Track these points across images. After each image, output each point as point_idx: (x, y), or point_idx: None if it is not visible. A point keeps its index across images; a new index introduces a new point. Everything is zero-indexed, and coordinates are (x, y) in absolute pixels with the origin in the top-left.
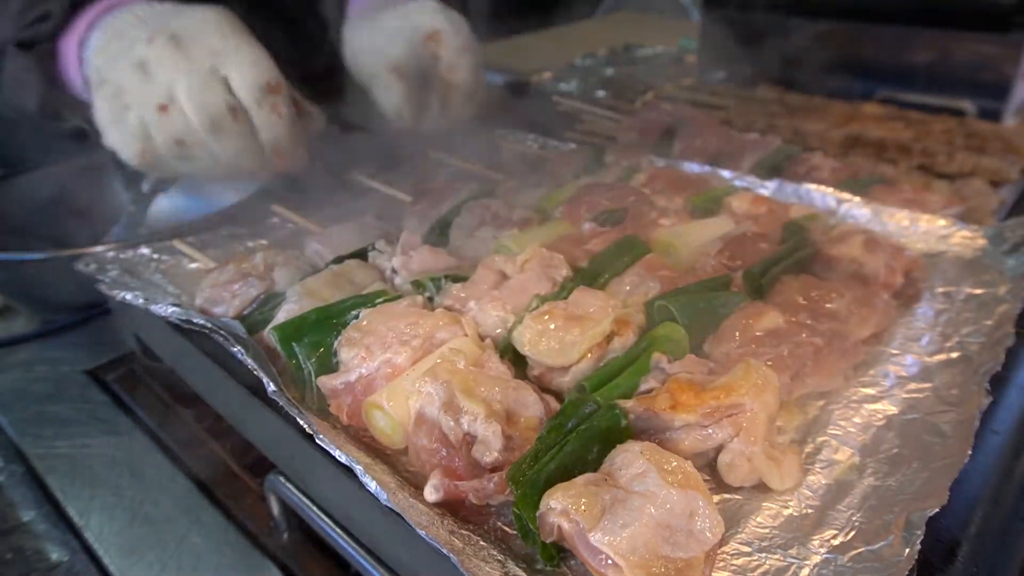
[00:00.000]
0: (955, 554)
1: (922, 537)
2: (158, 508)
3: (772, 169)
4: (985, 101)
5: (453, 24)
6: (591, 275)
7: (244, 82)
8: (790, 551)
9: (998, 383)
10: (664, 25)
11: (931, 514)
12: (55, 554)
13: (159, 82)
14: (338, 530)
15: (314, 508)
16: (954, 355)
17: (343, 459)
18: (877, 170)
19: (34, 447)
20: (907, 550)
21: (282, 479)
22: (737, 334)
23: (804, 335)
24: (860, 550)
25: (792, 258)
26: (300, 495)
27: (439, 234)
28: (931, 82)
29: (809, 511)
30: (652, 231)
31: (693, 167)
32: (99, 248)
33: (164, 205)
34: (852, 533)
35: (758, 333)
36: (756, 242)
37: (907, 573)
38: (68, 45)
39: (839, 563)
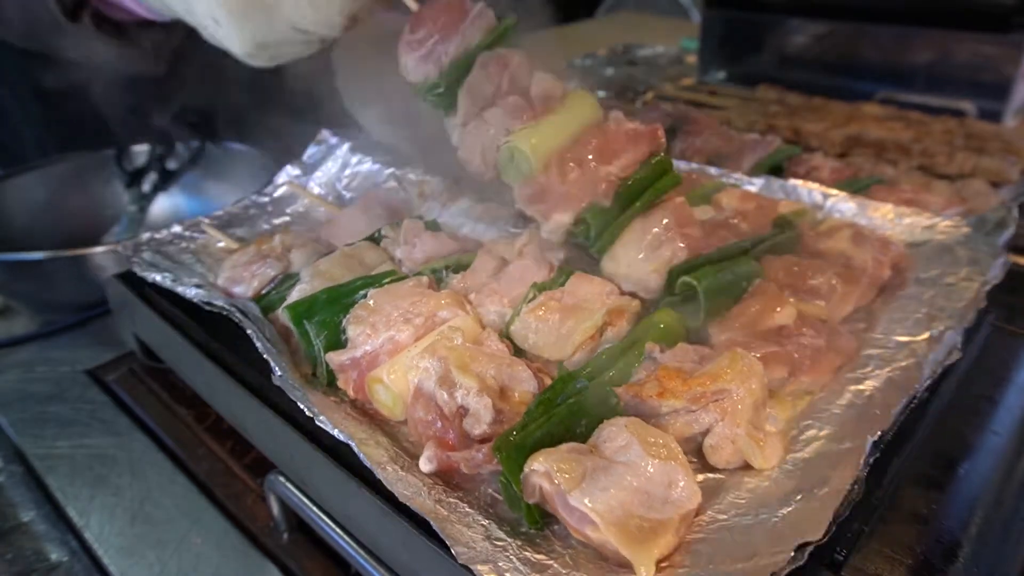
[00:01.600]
0: (955, 554)
1: (865, 457)
2: (158, 508)
3: (772, 169)
4: (985, 101)
5: None
6: (617, 209)
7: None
8: (762, 510)
9: (983, 367)
10: (664, 25)
11: (873, 439)
12: (55, 554)
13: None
14: (338, 530)
15: (314, 508)
16: (938, 330)
17: (340, 436)
18: (877, 170)
19: (34, 447)
20: (854, 473)
21: (282, 479)
22: (738, 325)
23: (809, 336)
24: (823, 491)
25: (774, 239)
26: (300, 495)
27: (443, 92)
28: (931, 82)
29: (788, 482)
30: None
31: (680, 164)
32: (99, 248)
33: (165, 205)
34: (822, 486)
35: (765, 327)
36: (737, 226)
37: (847, 490)
38: None
39: (806, 507)
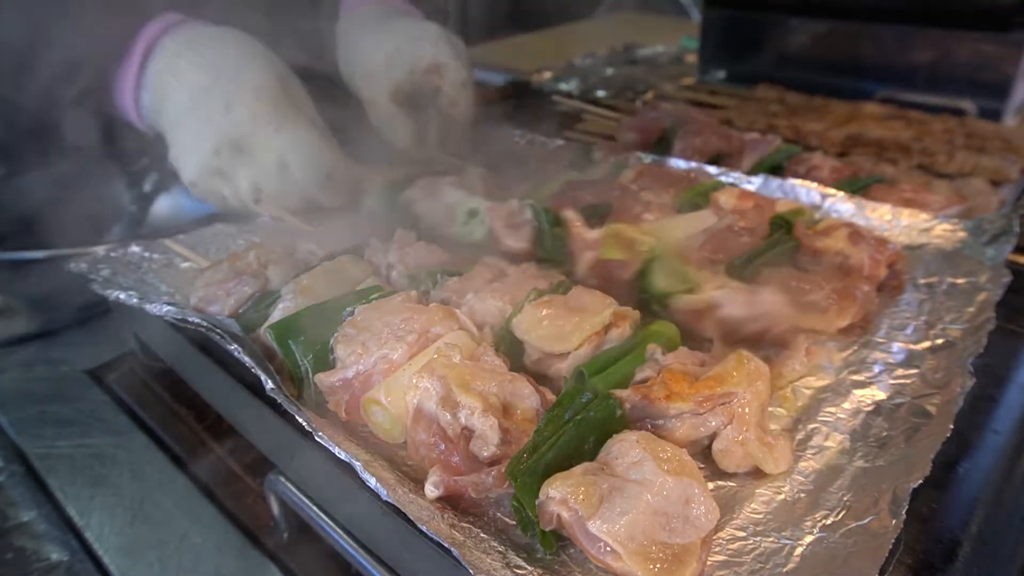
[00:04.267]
0: (955, 554)
1: (907, 507)
2: (158, 508)
3: (772, 168)
4: (985, 101)
5: (456, 57)
6: None
7: (309, 174)
8: (784, 533)
9: (983, 367)
10: (664, 25)
11: (915, 486)
12: (55, 554)
13: (241, 180)
14: (338, 530)
15: (314, 508)
16: (938, 341)
17: (342, 456)
18: (877, 170)
19: (34, 447)
20: (893, 521)
21: (282, 479)
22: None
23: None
24: (850, 526)
25: (774, 251)
26: (300, 495)
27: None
28: (931, 82)
29: (802, 495)
30: (637, 225)
31: (680, 163)
32: (99, 248)
33: (166, 205)
34: (843, 512)
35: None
36: (738, 236)
37: (892, 542)
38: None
39: (830, 540)
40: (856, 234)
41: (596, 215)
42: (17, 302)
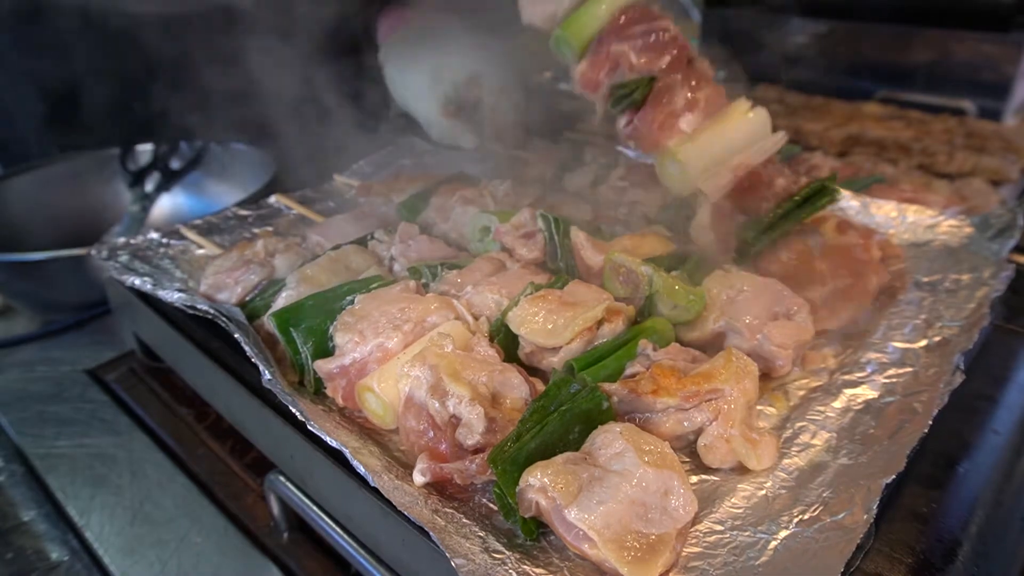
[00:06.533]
0: (955, 554)
1: (878, 501)
2: (158, 508)
3: None
4: (985, 101)
5: (491, 64)
6: None
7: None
8: (760, 528)
9: (982, 367)
10: None
11: (887, 481)
12: (55, 553)
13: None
14: (338, 529)
15: (314, 507)
16: (935, 339)
17: (333, 444)
18: (877, 169)
19: (34, 447)
20: (865, 516)
21: (282, 479)
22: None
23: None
24: (825, 521)
25: (785, 226)
26: (300, 494)
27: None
28: (931, 82)
29: (782, 491)
30: (665, 134)
31: None
32: (118, 240)
33: (165, 204)
34: (820, 508)
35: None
36: (772, 180)
37: (862, 536)
38: None
39: (804, 535)
40: (843, 223)
41: (631, 100)
42: (17, 302)
